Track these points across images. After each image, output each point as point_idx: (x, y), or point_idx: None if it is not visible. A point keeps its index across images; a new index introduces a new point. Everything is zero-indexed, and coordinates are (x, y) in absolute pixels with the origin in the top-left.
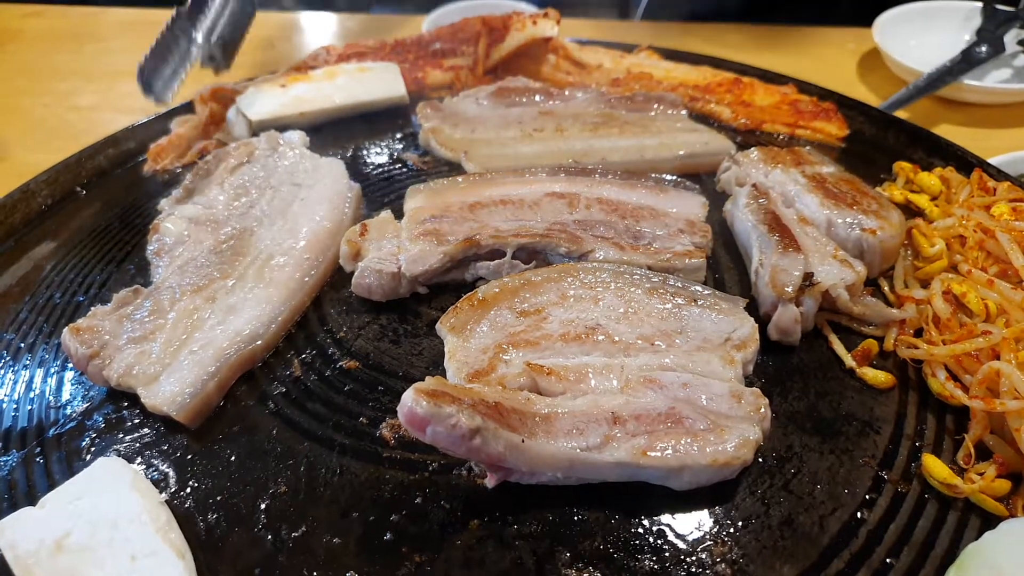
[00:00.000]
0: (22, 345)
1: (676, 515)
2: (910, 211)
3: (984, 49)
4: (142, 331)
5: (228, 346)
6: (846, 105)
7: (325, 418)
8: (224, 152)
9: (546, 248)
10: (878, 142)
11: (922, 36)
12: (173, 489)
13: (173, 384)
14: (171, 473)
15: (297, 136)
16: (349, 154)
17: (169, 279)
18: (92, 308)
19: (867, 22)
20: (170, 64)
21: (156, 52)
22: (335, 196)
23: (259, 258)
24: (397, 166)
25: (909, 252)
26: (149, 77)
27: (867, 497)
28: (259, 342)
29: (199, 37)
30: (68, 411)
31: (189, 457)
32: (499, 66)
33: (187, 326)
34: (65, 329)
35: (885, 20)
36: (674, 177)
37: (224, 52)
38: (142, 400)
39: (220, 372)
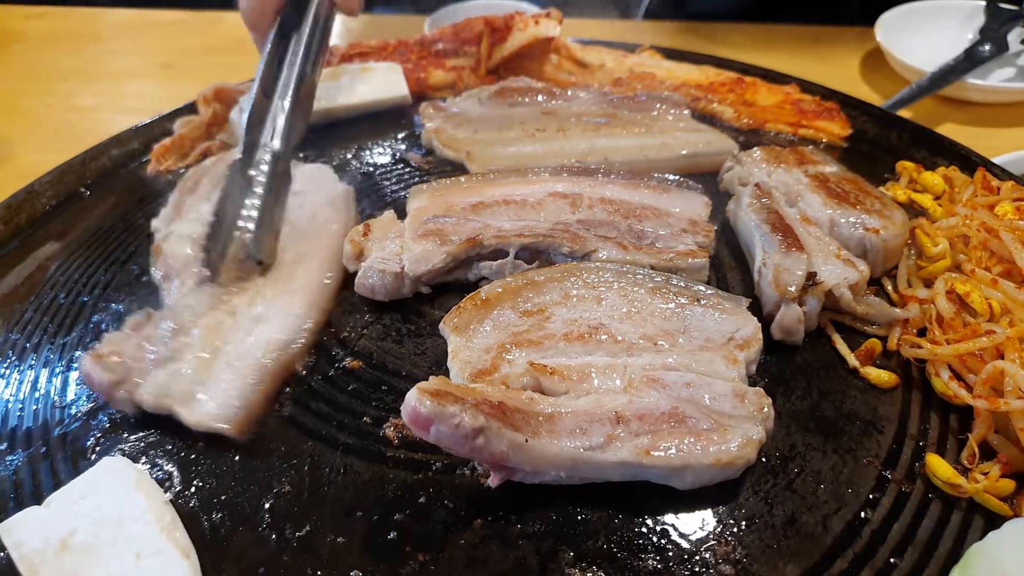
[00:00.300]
0: (27, 345)
1: (679, 514)
2: (913, 210)
3: (988, 48)
4: (167, 352)
5: (263, 355)
6: (849, 104)
7: (329, 417)
8: (203, 168)
9: (549, 248)
10: (881, 141)
11: (925, 35)
12: (177, 488)
13: (217, 398)
14: (175, 472)
15: None
16: (351, 154)
17: (184, 299)
18: (105, 335)
19: (870, 21)
20: (222, 237)
21: (215, 231)
22: (335, 199)
23: (274, 267)
24: (400, 166)
25: (912, 251)
26: (214, 261)
27: (871, 497)
28: (295, 346)
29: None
30: (73, 411)
31: (193, 456)
32: (501, 66)
33: (215, 341)
34: (85, 357)
35: (888, 19)
36: (677, 177)
37: (270, 249)
38: (183, 419)
39: (263, 381)
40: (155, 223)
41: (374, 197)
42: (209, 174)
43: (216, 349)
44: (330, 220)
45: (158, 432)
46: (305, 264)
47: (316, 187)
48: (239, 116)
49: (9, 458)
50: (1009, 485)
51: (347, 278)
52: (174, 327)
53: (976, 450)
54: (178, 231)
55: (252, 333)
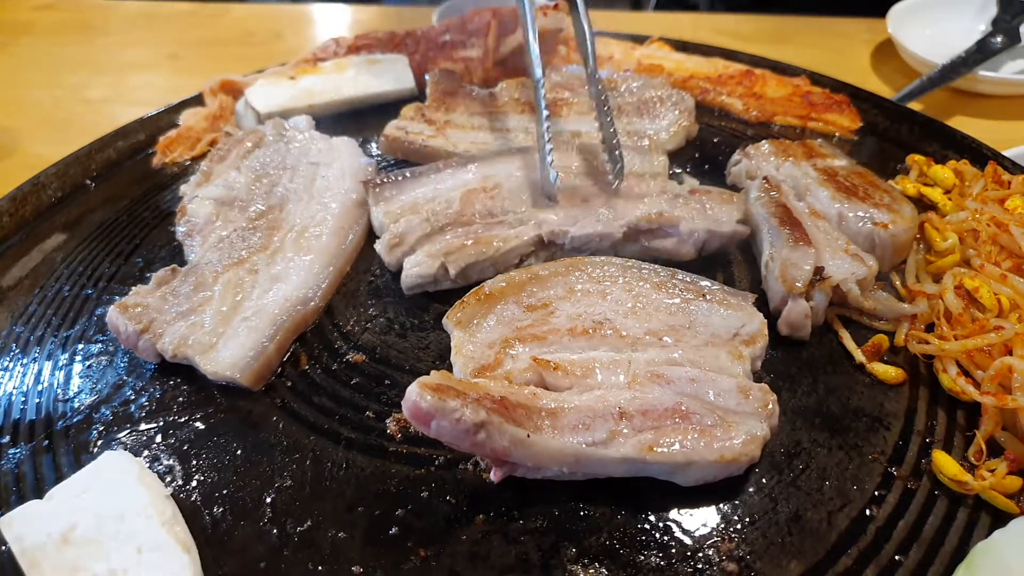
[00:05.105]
0: (31, 338)
1: (683, 511)
2: (923, 205)
3: (999, 40)
4: (189, 305)
5: (280, 312)
6: (859, 97)
7: (331, 412)
8: (235, 139)
9: None
10: (891, 135)
11: (937, 26)
12: (179, 483)
13: (233, 350)
14: (177, 467)
15: (304, 121)
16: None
17: (206, 256)
18: (134, 288)
19: (881, 12)
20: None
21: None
22: (356, 171)
23: (294, 230)
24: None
25: (921, 246)
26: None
27: (876, 493)
28: (311, 304)
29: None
30: (76, 404)
31: (195, 451)
32: (509, 58)
33: (234, 297)
34: (111, 308)
35: (899, 10)
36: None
37: None
38: (201, 368)
39: (277, 335)
40: (183, 188)
41: None
42: (239, 146)
43: (235, 304)
44: (351, 190)
45: (160, 426)
46: (325, 228)
47: (340, 158)
48: (245, 108)
49: (11, 451)
50: (1016, 482)
51: (364, 243)
52: (196, 283)
53: (983, 447)
54: (204, 194)
55: (270, 290)
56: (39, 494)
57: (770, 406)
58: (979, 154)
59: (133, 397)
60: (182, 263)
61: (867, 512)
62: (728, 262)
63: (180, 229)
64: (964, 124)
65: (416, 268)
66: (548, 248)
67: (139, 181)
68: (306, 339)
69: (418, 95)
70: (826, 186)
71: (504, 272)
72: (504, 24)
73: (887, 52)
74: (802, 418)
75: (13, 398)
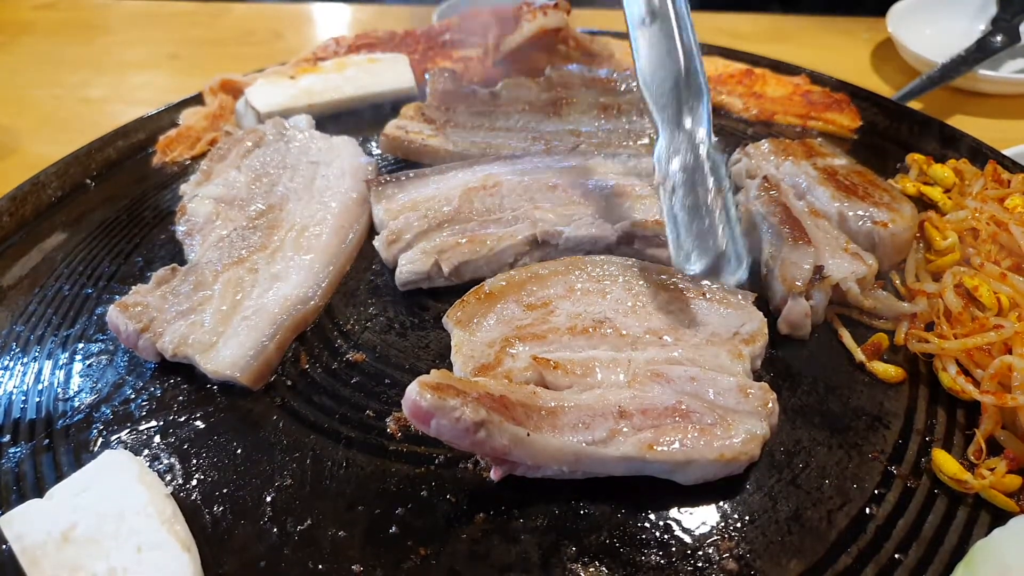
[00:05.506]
0: (31, 337)
1: (683, 509)
2: (923, 203)
3: (999, 39)
4: (189, 304)
5: (280, 311)
6: (859, 96)
7: (331, 411)
8: (236, 138)
9: None
10: (891, 134)
11: (937, 25)
12: (179, 482)
13: (233, 349)
14: (177, 466)
15: (304, 120)
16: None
17: (206, 255)
18: (133, 287)
19: (881, 11)
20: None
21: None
22: (356, 170)
23: (294, 230)
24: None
25: (921, 245)
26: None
27: (876, 492)
28: (311, 303)
29: None
30: (76, 403)
31: (195, 450)
32: (509, 57)
33: (234, 296)
34: (112, 307)
35: (899, 9)
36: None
37: None
38: (201, 367)
39: (277, 334)
40: (183, 187)
41: None
42: (239, 145)
43: (235, 303)
44: (351, 188)
45: (160, 425)
46: (325, 227)
47: (340, 157)
48: (245, 107)
49: (12, 450)
50: (1016, 481)
51: (364, 242)
52: (196, 282)
53: (983, 446)
54: (203, 193)
55: (270, 289)
56: (39, 493)
57: (770, 405)
58: (979, 153)
59: (133, 396)
60: (182, 262)
61: (867, 511)
62: None
63: (180, 228)
64: (964, 123)
65: (410, 265)
66: (543, 248)
67: (139, 180)
68: (306, 338)
69: (418, 95)
70: (826, 185)
71: (499, 271)
72: (504, 24)
73: (887, 51)
74: (802, 417)
75: (13, 397)
